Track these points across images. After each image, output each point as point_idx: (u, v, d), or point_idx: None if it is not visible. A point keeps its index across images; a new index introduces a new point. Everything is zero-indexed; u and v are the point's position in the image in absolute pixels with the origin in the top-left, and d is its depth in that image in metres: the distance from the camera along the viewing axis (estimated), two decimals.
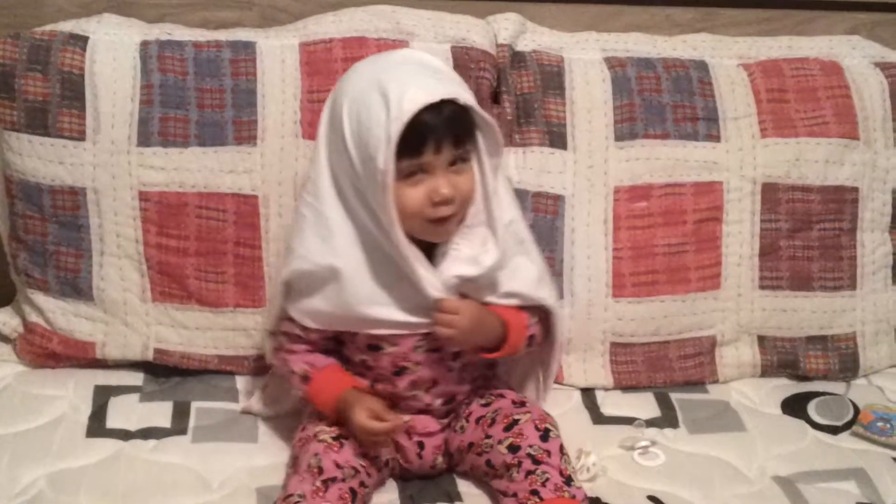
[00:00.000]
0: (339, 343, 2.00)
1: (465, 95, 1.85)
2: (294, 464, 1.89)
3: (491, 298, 1.94)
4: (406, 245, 1.84)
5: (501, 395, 2.01)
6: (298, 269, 1.92)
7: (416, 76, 1.84)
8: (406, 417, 1.95)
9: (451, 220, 1.88)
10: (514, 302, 1.95)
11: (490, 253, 1.90)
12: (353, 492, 1.82)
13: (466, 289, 1.91)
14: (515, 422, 1.92)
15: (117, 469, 1.95)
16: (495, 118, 2.13)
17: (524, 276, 1.97)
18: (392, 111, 1.76)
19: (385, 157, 1.76)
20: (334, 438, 1.88)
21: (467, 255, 1.90)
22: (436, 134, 1.81)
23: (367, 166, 1.81)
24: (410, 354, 1.95)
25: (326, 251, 1.89)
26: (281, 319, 1.99)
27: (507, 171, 2.25)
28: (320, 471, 1.81)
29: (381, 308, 1.89)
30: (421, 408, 1.99)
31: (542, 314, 2.01)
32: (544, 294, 1.99)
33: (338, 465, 1.83)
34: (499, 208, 1.92)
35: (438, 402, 2.00)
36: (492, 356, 1.94)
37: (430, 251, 1.90)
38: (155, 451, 2.01)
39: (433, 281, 1.87)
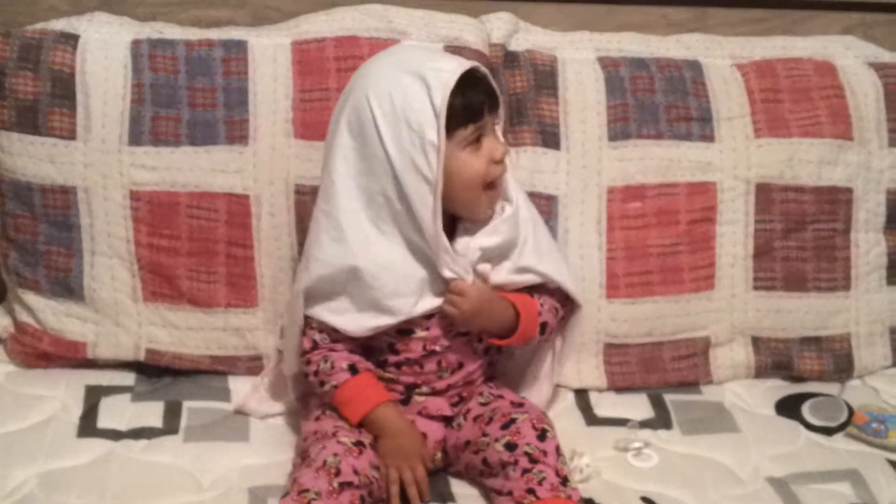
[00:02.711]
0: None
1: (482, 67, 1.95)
2: (306, 457, 1.87)
3: (504, 276, 1.97)
4: (440, 225, 1.88)
5: (500, 396, 2.02)
6: (319, 275, 1.94)
7: (434, 55, 1.97)
8: (420, 398, 2.00)
9: (500, 187, 1.96)
10: (527, 278, 1.99)
11: (504, 218, 1.98)
12: (362, 500, 1.82)
13: (486, 261, 1.95)
14: (513, 420, 1.92)
15: (108, 469, 1.94)
16: None
17: (529, 250, 2.00)
18: (432, 84, 1.84)
19: (437, 127, 1.84)
20: (354, 444, 1.87)
21: (490, 226, 1.96)
22: (488, 97, 1.92)
23: (405, 145, 1.85)
24: (441, 338, 1.97)
25: (343, 253, 1.91)
26: (306, 328, 1.99)
27: None
28: (338, 472, 1.80)
29: (406, 298, 1.92)
30: (442, 389, 2.01)
31: (556, 300, 2.04)
32: (551, 269, 2.02)
33: (355, 471, 1.82)
34: (513, 180, 2.03)
35: (460, 381, 2.02)
36: (502, 342, 1.98)
37: (452, 228, 1.95)
38: (146, 451, 2.00)
39: (449, 262, 1.91)
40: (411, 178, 1.86)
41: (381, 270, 1.91)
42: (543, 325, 2.01)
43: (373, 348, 2.00)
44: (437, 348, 1.98)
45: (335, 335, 1.97)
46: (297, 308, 1.98)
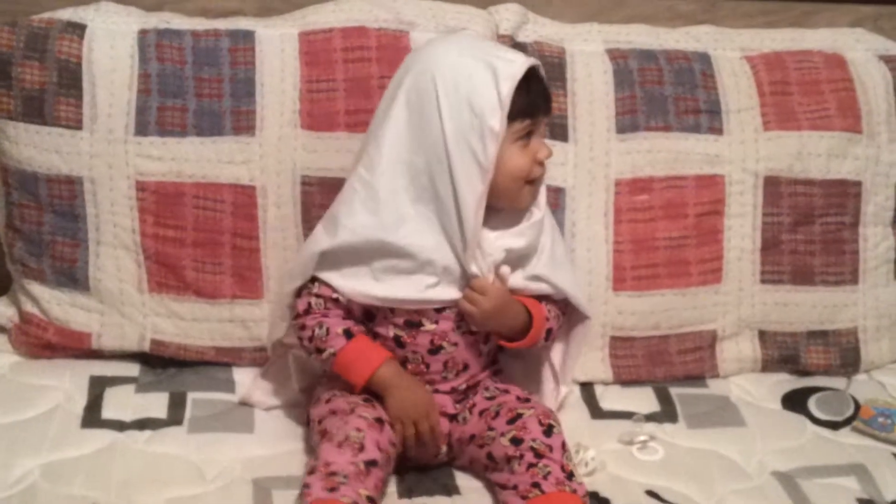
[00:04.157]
0: (368, 318, 1.99)
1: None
2: (325, 433, 1.85)
3: (519, 281, 1.97)
4: (482, 215, 1.89)
5: (506, 391, 2.01)
6: (345, 241, 1.92)
7: (500, 46, 2.05)
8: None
9: (541, 181, 1.98)
10: (540, 287, 1.99)
11: (532, 223, 1.97)
12: (383, 482, 1.82)
13: (507, 263, 1.95)
14: (519, 416, 1.92)
15: (112, 460, 1.93)
16: None
17: (544, 260, 2.00)
18: (500, 72, 1.86)
19: (501, 116, 1.85)
20: (375, 419, 1.87)
21: (518, 228, 1.96)
22: (544, 96, 1.96)
23: (466, 128, 1.85)
24: (449, 334, 1.96)
25: (375, 225, 1.91)
26: (303, 290, 1.98)
27: None
28: (362, 448, 1.79)
29: (427, 278, 1.91)
30: (445, 391, 2.00)
31: (561, 308, 2.04)
32: (563, 280, 2.02)
33: (379, 447, 1.82)
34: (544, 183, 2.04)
35: (463, 384, 2.01)
36: (512, 345, 1.97)
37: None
38: (150, 441, 2.00)
39: (478, 257, 1.91)
40: (464, 161, 1.86)
41: (408, 249, 1.90)
42: (549, 332, 2.02)
43: (375, 334, 1.99)
44: (445, 344, 1.97)
45: (330, 303, 1.96)
46: (307, 268, 1.96)
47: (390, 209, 1.91)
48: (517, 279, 1.98)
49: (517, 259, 1.97)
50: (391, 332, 1.98)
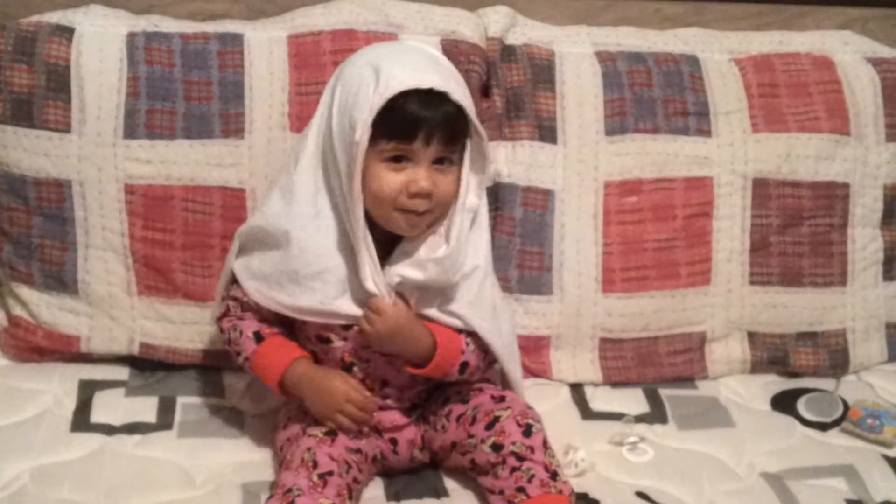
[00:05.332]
0: (286, 326, 1.97)
1: (460, 96, 1.83)
2: (284, 461, 1.86)
3: (433, 312, 1.91)
4: (362, 227, 1.82)
5: (480, 390, 1.99)
6: (255, 224, 1.92)
7: (415, 63, 1.84)
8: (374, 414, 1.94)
9: (424, 218, 1.86)
10: (454, 322, 1.91)
11: (435, 259, 1.87)
12: (348, 488, 1.81)
13: (410, 292, 1.89)
14: (497, 419, 1.90)
15: (102, 464, 1.93)
16: (485, 111, 2.15)
17: (468, 300, 1.92)
18: (380, 86, 1.77)
19: (361, 128, 1.77)
20: (326, 433, 1.87)
21: (418, 259, 1.87)
22: (429, 125, 1.80)
23: (345, 138, 1.81)
24: (360, 351, 1.93)
25: (285, 214, 1.88)
26: (231, 283, 1.97)
27: (497, 165, 2.26)
28: (315, 464, 1.79)
29: (326, 287, 1.87)
30: (380, 406, 1.96)
31: (484, 346, 1.96)
32: (482, 325, 1.93)
33: (332, 458, 1.81)
34: (460, 225, 1.88)
35: (393, 400, 1.98)
36: (416, 372, 1.90)
37: (392, 246, 1.89)
38: (140, 445, 1.99)
39: (373, 275, 1.85)
40: (344, 171, 1.81)
41: (312, 248, 1.86)
42: (464, 365, 1.92)
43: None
44: (356, 361, 1.94)
45: (246, 306, 1.95)
46: (232, 253, 1.96)
47: (304, 203, 1.87)
48: (431, 309, 1.90)
49: (437, 291, 1.90)
50: (308, 346, 1.96)
